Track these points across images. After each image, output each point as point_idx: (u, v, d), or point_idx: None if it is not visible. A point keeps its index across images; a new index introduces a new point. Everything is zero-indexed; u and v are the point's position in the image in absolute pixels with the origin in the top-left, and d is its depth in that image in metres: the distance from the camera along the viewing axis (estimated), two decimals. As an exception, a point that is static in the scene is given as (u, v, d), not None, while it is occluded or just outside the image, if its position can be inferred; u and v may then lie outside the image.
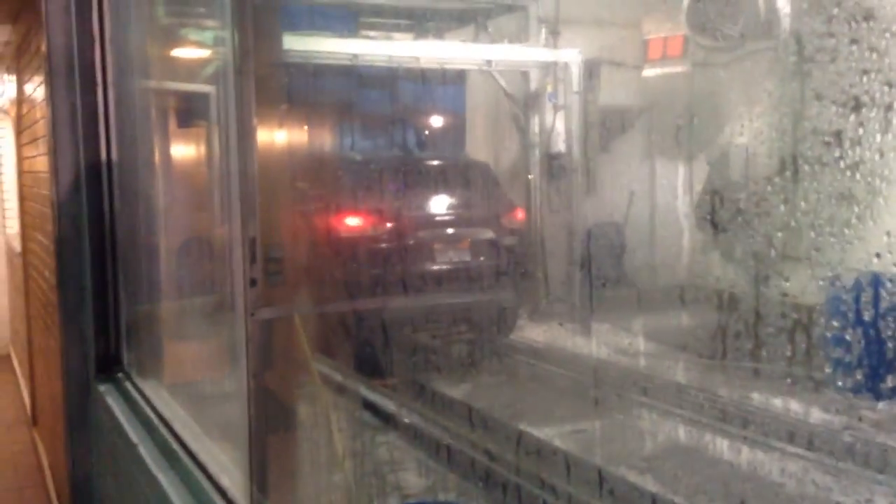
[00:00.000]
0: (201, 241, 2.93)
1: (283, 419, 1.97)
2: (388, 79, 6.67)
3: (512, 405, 4.60)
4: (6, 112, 7.74)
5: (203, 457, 2.21)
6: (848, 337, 1.56)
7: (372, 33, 7.20)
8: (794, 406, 3.52)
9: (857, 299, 1.48)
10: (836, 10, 1.00)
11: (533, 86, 6.67)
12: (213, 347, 2.69)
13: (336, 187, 5.62)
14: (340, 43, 6.18)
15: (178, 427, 2.48)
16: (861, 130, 1.00)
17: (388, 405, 4.12)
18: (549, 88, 6.52)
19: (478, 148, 7.14)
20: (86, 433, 3.44)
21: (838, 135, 1.03)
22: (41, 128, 4.31)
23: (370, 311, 5.19)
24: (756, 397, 3.73)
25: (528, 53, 6.64)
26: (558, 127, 6.48)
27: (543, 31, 6.48)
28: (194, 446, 2.30)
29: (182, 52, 3.24)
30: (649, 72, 4.31)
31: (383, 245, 5.56)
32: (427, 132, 7.20)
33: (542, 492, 3.04)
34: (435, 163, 6.54)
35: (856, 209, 1.16)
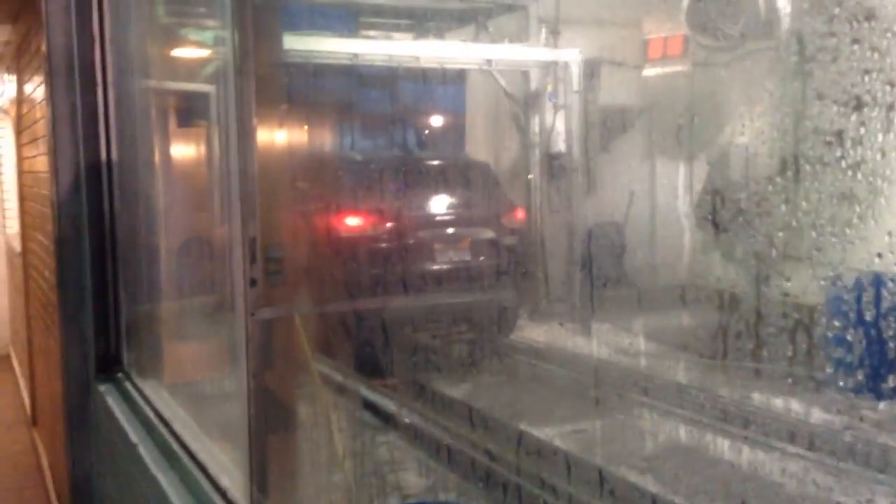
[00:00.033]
0: (201, 241, 2.93)
1: (284, 419, 1.96)
2: (387, 78, 6.67)
3: (512, 405, 4.60)
4: (6, 112, 7.74)
5: (203, 457, 2.21)
6: (849, 337, 1.55)
7: (372, 33, 7.20)
8: (795, 406, 3.51)
9: (858, 299, 1.48)
10: (837, 10, 1.00)
11: (533, 85, 6.66)
12: (213, 347, 2.69)
13: (336, 187, 5.61)
14: (340, 43, 6.18)
15: (177, 427, 2.48)
16: (862, 130, 1.00)
17: (389, 405, 4.12)
18: (550, 88, 6.51)
19: (478, 148, 7.14)
20: (86, 433, 3.44)
21: (839, 134, 1.03)
22: (41, 128, 4.31)
23: (370, 311, 5.19)
24: (757, 397, 3.72)
25: (528, 53, 6.63)
26: (558, 126, 6.47)
27: (544, 30, 6.47)
28: (194, 446, 2.30)
29: (182, 52, 3.24)
30: (649, 71, 4.31)
31: (383, 245, 5.56)
32: (427, 132, 7.20)
33: (542, 492, 3.04)
34: (435, 162, 6.54)
35: (857, 209, 1.16)
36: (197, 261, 2.95)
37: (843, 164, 1.08)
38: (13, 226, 7.57)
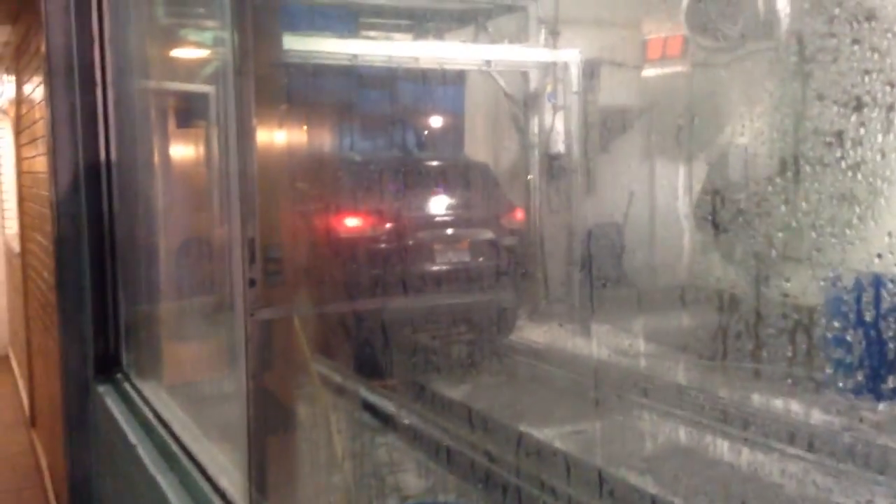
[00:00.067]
0: (200, 242, 2.93)
1: (283, 420, 1.96)
2: (387, 79, 6.66)
3: (512, 406, 4.60)
4: (5, 112, 7.74)
5: (202, 458, 2.21)
6: (849, 338, 1.55)
7: (372, 33, 7.20)
8: (795, 407, 3.51)
9: (857, 300, 1.48)
10: (837, 11, 1.00)
11: (532, 86, 6.66)
12: (213, 348, 2.69)
13: (335, 188, 5.61)
14: (340, 43, 6.18)
15: (176, 428, 2.48)
16: (862, 131, 1.00)
17: (388, 406, 4.12)
18: (549, 89, 6.51)
19: (477, 148, 7.13)
20: (84, 434, 3.44)
21: (839, 135, 1.03)
22: (40, 128, 4.31)
23: (370, 312, 5.19)
24: (756, 398, 3.72)
25: (527, 54, 6.63)
26: (558, 127, 6.47)
27: (543, 31, 6.47)
28: (193, 447, 2.29)
29: (181, 53, 3.24)
30: (649, 72, 4.31)
31: (383, 245, 5.55)
32: (426, 132, 7.19)
33: (541, 493, 3.03)
34: (434, 163, 6.53)
35: (857, 210, 1.16)
36: (196, 261, 2.95)
37: (843, 164, 1.08)
38: (12, 226, 7.57)
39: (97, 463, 3.36)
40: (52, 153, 3.43)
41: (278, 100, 1.95)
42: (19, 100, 6.06)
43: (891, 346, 1.32)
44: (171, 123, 3.41)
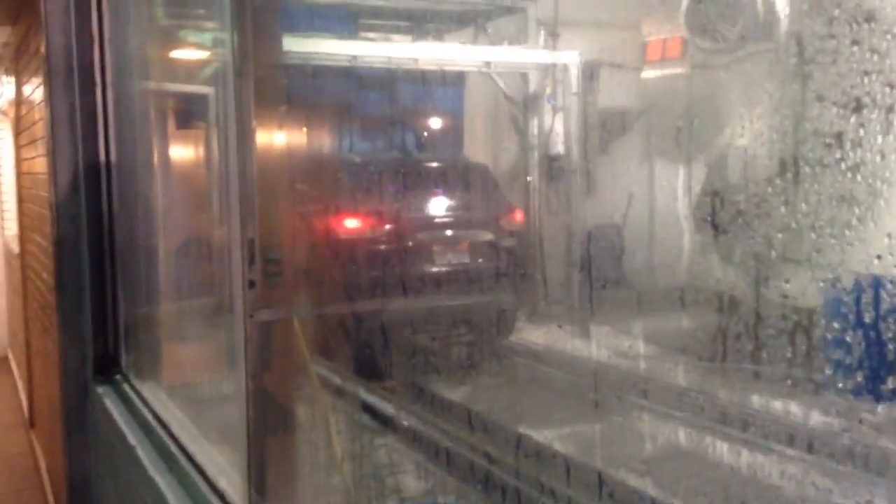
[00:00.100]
0: (200, 243, 2.93)
1: (282, 422, 1.96)
2: (386, 80, 6.66)
3: (511, 407, 4.59)
4: (5, 113, 7.73)
5: (201, 459, 2.21)
6: (848, 339, 1.55)
7: (371, 34, 7.20)
8: (794, 408, 3.51)
9: (857, 301, 1.48)
10: (836, 12, 1.00)
11: (532, 87, 6.67)
12: (212, 349, 2.69)
13: (335, 189, 5.61)
14: (339, 44, 6.18)
15: (176, 429, 2.48)
16: (862, 132, 1.00)
17: (387, 407, 4.11)
18: (548, 90, 6.51)
19: (477, 150, 7.13)
20: (84, 435, 3.43)
21: (839, 136, 1.03)
22: (40, 129, 4.31)
23: (369, 313, 5.18)
24: (756, 400, 3.72)
25: (526, 55, 6.63)
26: (557, 128, 6.47)
27: (542, 32, 6.47)
28: (192, 448, 2.29)
29: (181, 54, 3.24)
30: (648, 73, 4.31)
31: (382, 247, 5.55)
32: (426, 134, 7.19)
33: (541, 494, 3.03)
34: (434, 165, 6.53)
35: (856, 211, 1.16)
36: (195, 262, 2.94)
37: (843, 166, 1.08)
38: (11, 227, 7.56)
39: (96, 464, 3.35)
40: (52, 154, 3.43)
41: (278, 101, 1.95)
42: (19, 100, 6.06)
43: (890, 347, 1.32)
44: (171, 124, 3.41)
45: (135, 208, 3.27)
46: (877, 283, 1.38)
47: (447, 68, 6.66)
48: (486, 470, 3.32)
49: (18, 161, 6.41)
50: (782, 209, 1.30)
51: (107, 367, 3.31)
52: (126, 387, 3.11)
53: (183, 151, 3.39)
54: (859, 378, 1.56)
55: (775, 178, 1.41)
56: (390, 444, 3.78)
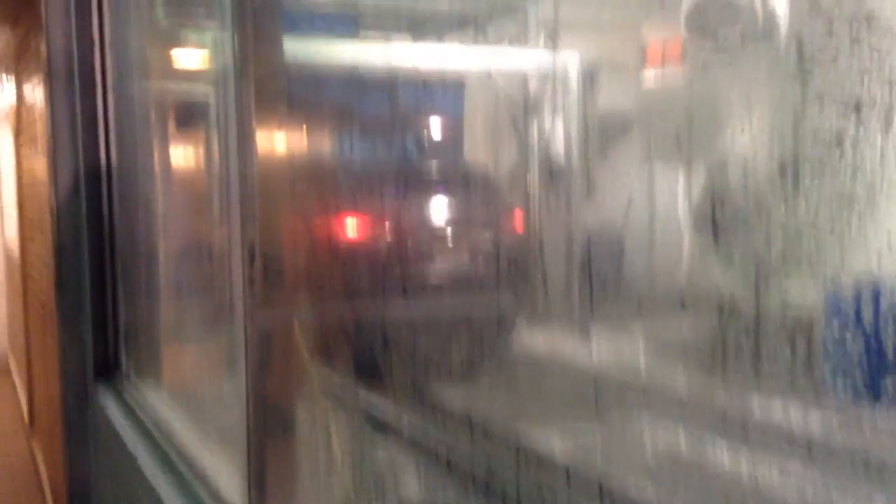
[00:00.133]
0: (201, 244, 2.93)
1: (283, 425, 1.96)
2: (386, 83, 6.67)
3: (510, 411, 4.59)
4: (5, 115, 7.74)
5: (201, 462, 2.21)
6: (848, 341, 1.55)
7: (371, 34, 7.21)
8: (794, 411, 3.51)
9: (857, 303, 1.48)
10: (836, 12, 1.00)
11: (531, 90, 6.68)
12: (212, 352, 2.68)
13: (334, 191, 5.61)
14: (339, 46, 6.19)
15: (175, 432, 2.47)
16: (862, 131, 1.00)
17: (387, 411, 4.11)
18: (548, 92, 6.53)
19: (476, 152, 7.14)
20: (83, 437, 3.43)
21: (839, 136, 1.03)
22: (40, 130, 4.31)
23: (369, 316, 5.18)
24: (755, 402, 3.72)
25: (526, 57, 6.65)
26: (557, 131, 6.49)
27: (542, 35, 6.49)
28: (192, 451, 2.29)
29: (182, 56, 3.24)
30: (648, 75, 4.32)
31: (382, 249, 5.55)
32: (425, 137, 7.20)
33: (541, 500, 3.03)
34: (433, 167, 6.54)
35: (857, 212, 1.16)
36: (196, 264, 2.94)
37: (843, 166, 1.09)
38: (11, 230, 7.57)
39: (96, 466, 3.35)
40: (52, 156, 3.44)
41: (278, 104, 1.95)
42: (19, 102, 6.06)
43: (890, 349, 1.32)
44: (172, 126, 3.41)
45: (136, 210, 3.27)
46: (877, 285, 1.38)
47: (446, 71, 6.67)
48: (486, 474, 3.32)
49: (18, 163, 6.41)
50: (782, 210, 1.30)
51: (107, 369, 3.31)
52: (126, 388, 3.11)
53: (184, 153, 3.40)
54: (859, 380, 1.56)
55: (775, 180, 1.41)
56: (390, 448, 3.77)
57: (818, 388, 1.41)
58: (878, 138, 1.00)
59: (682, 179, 1.83)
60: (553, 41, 2.14)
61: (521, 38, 2.28)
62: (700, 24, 1.72)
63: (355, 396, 2.64)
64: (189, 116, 3.27)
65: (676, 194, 1.76)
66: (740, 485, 1.71)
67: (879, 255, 1.12)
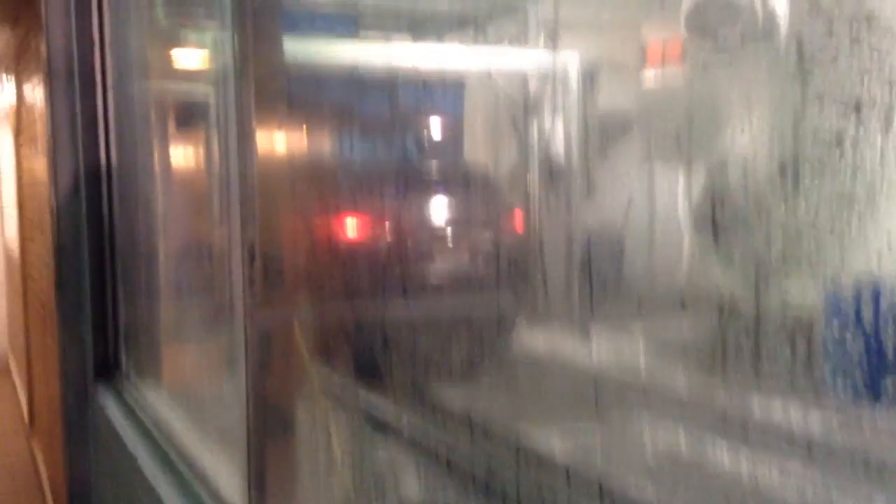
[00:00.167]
0: (201, 244, 2.93)
1: (283, 425, 1.96)
2: (386, 83, 6.67)
3: (510, 411, 4.59)
4: (5, 115, 7.74)
5: (201, 463, 2.21)
6: (848, 341, 1.55)
7: (371, 34, 7.21)
8: (794, 411, 3.51)
9: (857, 303, 1.48)
10: (836, 12, 1.00)
11: (531, 90, 6.68)
12: (212, 352, 2.69)
13: (334, 191, 5.61)
14: (339, 46, 6.19)
15: (175, 432, 2.47)
16: (862, 131, 1.00)
17: (387, 411, 4.11)
18: (548, 92, 6.53)
19: (476, 152, 7.15)
20: (84, 437, 3.43)
21: (839, 136, 1.03)
22: (40, 131, 4.31)
23: (369, 316, 5.18)
24: (755, 403, 3.72)
25: (526, 57, 6.66)
26: (557, 131, 6.49)
27: (542, 35, 6.49)
28: (192, 451, 2.29)
29: (182, 56, 3.24)
30: (648, 75, 4.32)
31: (382, 249, 5.55)
32: (425, 137, 7.21)
33: (540, 500, 3.03)
34: (433, 167, 6.54)
35: (857, 212, 1.16)
36: (196, 264, 2.94)
37: (843, 166, 1.09)
38: (11, 229, 7.57)
39: (96, 466, 3.35)
40: (52, 156, 3.44)
41: (278, 104, 1.95)
42: (19, 102, 6.07)
43: (890, 349, 1.32)
44: (172, 126, 3.41)
45: (136, 210, 3.27)
46: (877, 285, 1.38)
47: (446, 70, 6.67)
48: (486, 474, 3.32)
49: (18, 163, 6.41)
50: (782, 210, 1.30)
51: (107, 369, 3.31)
52: (126, 388, 3.11)
53: (184, 153, 3.40)
54: (859, 380, 1.56)
55: (775, 180, 1.41)
56: (390, 448, 3.77)
57: (818, 388, 1.41)
58: (878, 138, 1.00)
59: (682, 179, 1.83)
60: (553, 41, 2.14)
61: (521, 38, 2.28)
62: (700, 24, 1.72)
63: (355, 396, 2.64)
64: (189, 116, 3.27)
65: (676, 194, 1.76)
66: (740, 485, 1.71)
67: (879, 255, 1.12)
